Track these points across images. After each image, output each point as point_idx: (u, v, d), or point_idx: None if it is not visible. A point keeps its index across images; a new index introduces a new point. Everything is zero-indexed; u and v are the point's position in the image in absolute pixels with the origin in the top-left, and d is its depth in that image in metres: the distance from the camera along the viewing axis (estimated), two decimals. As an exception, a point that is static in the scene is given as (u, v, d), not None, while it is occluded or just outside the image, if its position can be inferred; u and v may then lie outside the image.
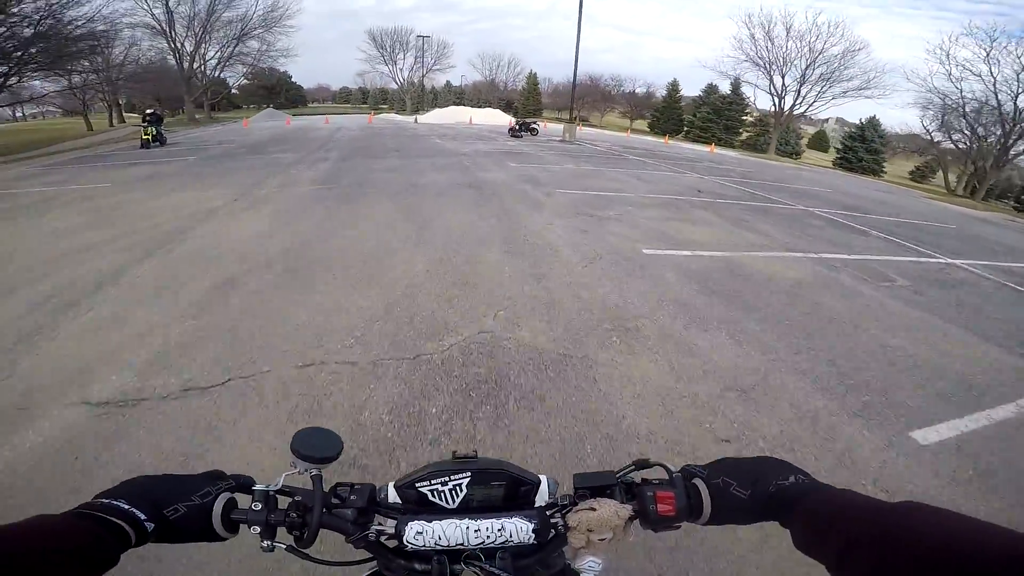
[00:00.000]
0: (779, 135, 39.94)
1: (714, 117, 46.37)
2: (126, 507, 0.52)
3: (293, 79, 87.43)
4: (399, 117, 38.54)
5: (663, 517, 0.60)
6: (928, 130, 34.37)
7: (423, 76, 56.70)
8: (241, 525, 0.59)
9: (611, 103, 59.99)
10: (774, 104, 38.14)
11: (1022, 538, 0.36)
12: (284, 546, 0.59)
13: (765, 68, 37.65)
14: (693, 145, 37.24)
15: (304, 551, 0.59)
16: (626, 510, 0.61)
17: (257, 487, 0.60)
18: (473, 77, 76.16)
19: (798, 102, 37.26)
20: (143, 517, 0.53)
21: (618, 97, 60.01)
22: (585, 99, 60.96)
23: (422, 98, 60.04)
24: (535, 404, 2.75)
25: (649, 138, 40.18)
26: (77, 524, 0.49)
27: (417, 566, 0.63)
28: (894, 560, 0.40)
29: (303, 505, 0.60)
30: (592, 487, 0.65)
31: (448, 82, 76.65)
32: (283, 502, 0.61)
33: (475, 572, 0.62)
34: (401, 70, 56.98)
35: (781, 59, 36.77)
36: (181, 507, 0.56)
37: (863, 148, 39.74)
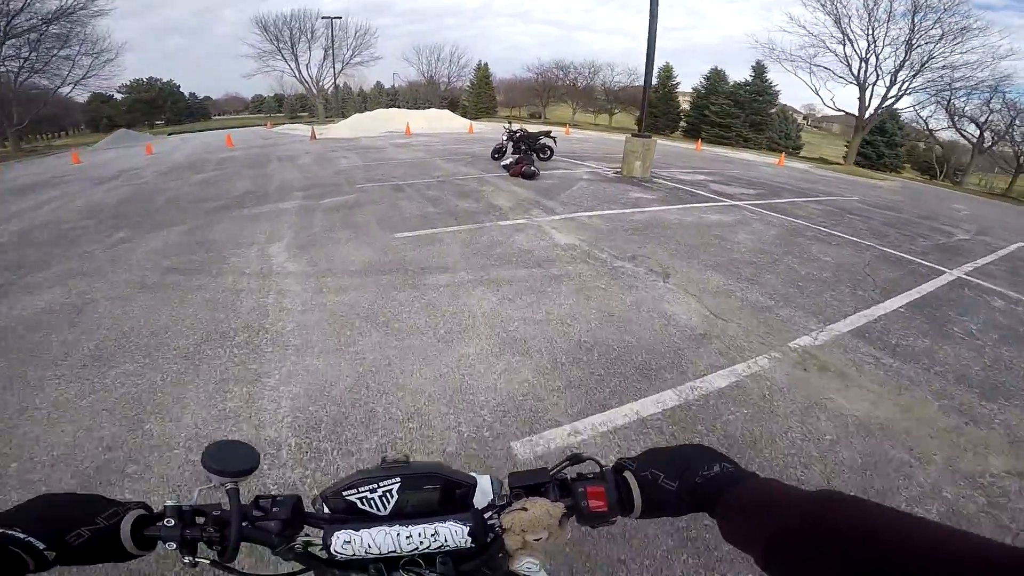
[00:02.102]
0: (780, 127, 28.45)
1: (736, 111, 35.22)
2: (22, 536, 0.50)
3: (181, 88, 69.71)
4: (301, 128, 24.22)
5: (596, 513, 0.60)
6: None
7: (337, 73, 41.86)
8: (159, 542, 0.56)
9: (579, 97, 47.77)
10: (861, 96, 26.30)
11: (945, 530, 0.37)
12: (208, 561, 0.57)
13: (851, 46, 25.59)
14: (735, 152, 25.42)
15: (228, 565, 0.58)
16: (558, 508, 0.59)
17: (169, 503, 0.58)
18: (409, 75, 62.23)
19: (891, 93, 25.53)
20: (41, 547, 0.50)
21: (591, 90, 47.88)
22: (550, 93, 48.80)
23: (336, 102, 45.29)
24: None
25: (667, 143, 27.99)
26: None
27: (353, 575, 0.62)
28: (819, 553, 0.40)
29: (221, 519, 0.58)
30: (526, 486, 0.64)
31: (378, 83, 62.19)
32: (202, 517, 0.58)
33: None
34: (308, 66, 41.81)
35: (873, 34, 24.79)
36: (85, 531, 0.53)
37: (883, 143, 31.34)
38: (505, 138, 11.83)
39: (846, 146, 32.10)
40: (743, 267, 5.21)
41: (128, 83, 56.84)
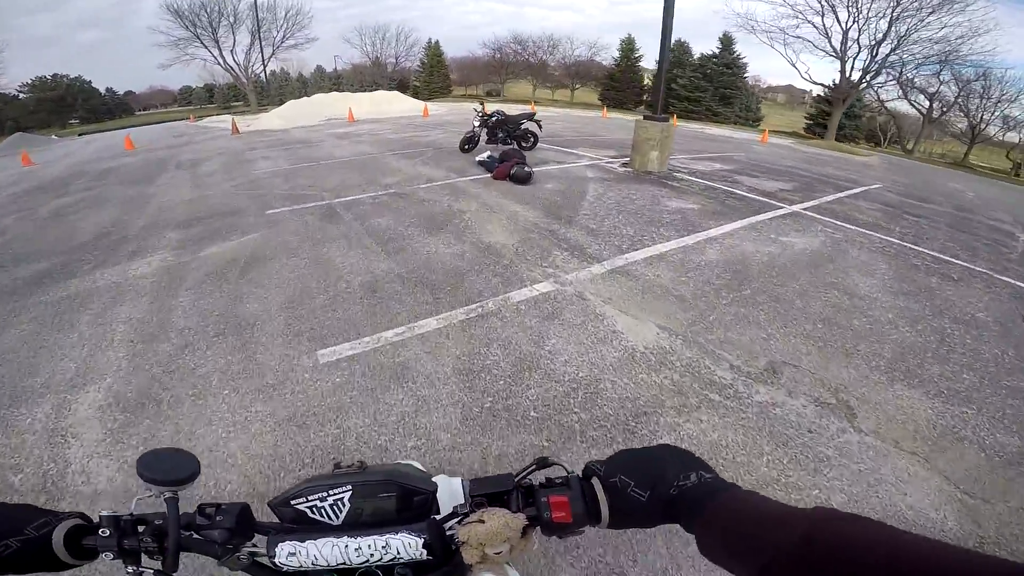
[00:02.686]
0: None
1: (706, 84, 33.45)
2: None
3: (93, 84, 61.72)
4: (229, 120, 20.48)
5: (559, 524, 0.55)
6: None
7: (267, 58, 37.04)
8: (99, 553, 0.55)
9: (538, 73, 44.92)
10: (843, 69, 24.83)
11: (956, 551, 0.35)
12: (152, 571, 0.55)
13: (834, 17, 23.85)
14: (711, 128, 23.63)
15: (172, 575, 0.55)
16: (519, 520, 0.55)
17: (104, 513, 0.56)
18: (353, 57, 57.44)
19: (873, 64, 24.06)
20: None
21: (551, 66, 45.08)
22: (508, 70, 45.70)
23: (273, 88, 40.50)
24: None
25: (626, 117, 25.81)
26: None
27: None
28: (821, 571, 0.38)
29: (160, 529, 0.56)
30: (489, 494, 0.59)
31: (319, 67, 56.88)
32: (143, 527, 0.57)
33: None
34: (234, 52, 36.71)
35: (858, 6, 22.97)
36: (14, 543, 0.52)
37: (844, 114, 29.65)
38: (477, 124, 9.15)
39: (808, 118, 32.38)
40: (918, 359, 3.13)
41: (31, 81, 49.62)
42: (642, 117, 8.18)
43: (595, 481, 0.56)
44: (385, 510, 0.62)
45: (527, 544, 0.56)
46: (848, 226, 5.93)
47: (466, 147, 9.33)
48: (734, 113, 34.35)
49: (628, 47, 39.41)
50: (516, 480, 0.60)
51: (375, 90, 29.59)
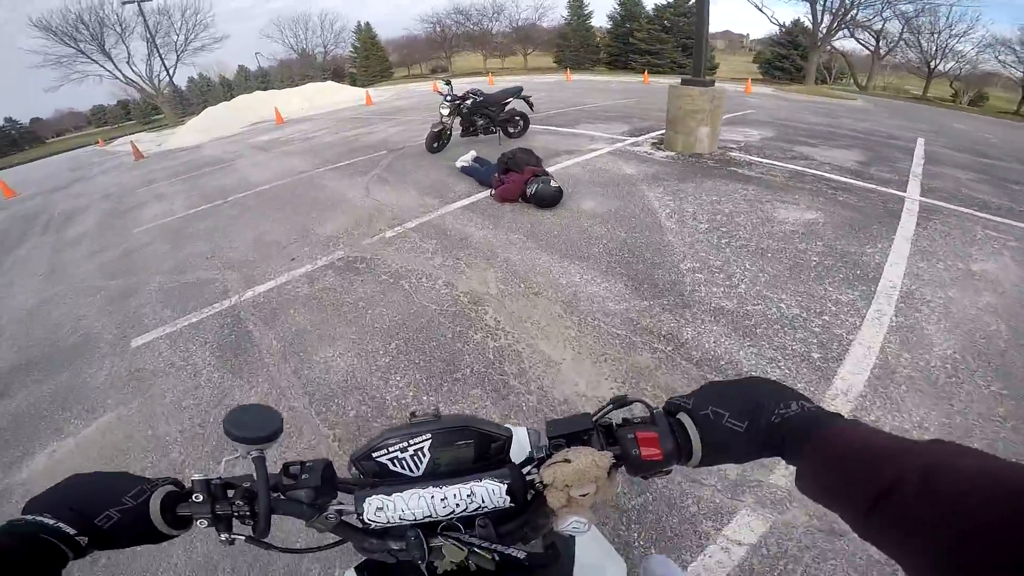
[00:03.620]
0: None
1: (666, 36, 31.11)
2: (52, 523, 0.47)
3: None
4: (144, 139, 16.81)
5: (649, 462, 0.52)
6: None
7: (171, 65, 32.18)
8: (193, 521, 0.53)
9: (486, 43, 41.52)
10: (813, 12, 23.22)
11: None
12: (243, 537, 0.53)
13: None
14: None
15: (265, 541, 0.54)
16: (606, 457, 0.51)
17: (196, 477, 0.53)
18: (276, 53, 52.17)
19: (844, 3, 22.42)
20: (72, 532, 0.47)
21: (495, 34, 41.67)
22: (452, 43, 42.14)
23: (195, 95, 35.73)
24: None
25: (598, 79, 23.28)
26: (7, 547, 0.44)
27: (393, 545, 0.57)
28: (943, 511, 0.34)
29: (250, 492, 0.53)
30: (567, 434, 0.56)
31: (241, 67, 51.56)
32: (232, 490, 0.54)
33: (454, 544, 0.56)
34: (131, 63, 31.71)
35: None
36: (114, 513, 0.50)
37: (798, 55, 28.94)
38: (446, 112, 6.59)
39: (766, 62, 30.86)
40: None
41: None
42: (680, 81, 5.76)
43: (683, 416, 0.52)
44: (463, 458, 0.60)
45: (611, 486, 0.52)
46: (1015, 223, 3.91)
47: (435, 145, 6.81)
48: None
49: (576, 4, 36.50)
50: (594, 419, 0.57)
51: (305, 83, 25.94)
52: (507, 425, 0.64)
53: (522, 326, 2.83)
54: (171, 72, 31.77)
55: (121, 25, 29.88)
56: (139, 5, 28.65)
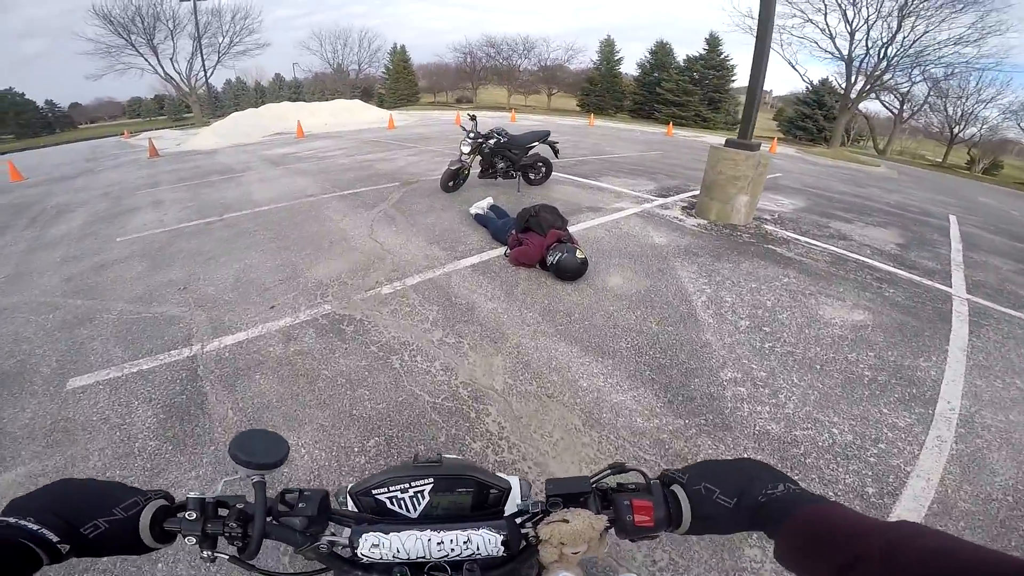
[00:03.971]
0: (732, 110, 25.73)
1: (693, 88, 31.51)
2: (35, 528, 0.45)
3: (27, 96, 55.77)
4: (166, 136, 16.74)
5: (640, 528, 0.55)
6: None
7: (210, 66, 32.87)
8: (178, 535, 0.52)
9: (513, 78, 42.21)
10: (848, 72, 23.22)
11: None
12: (227, 556, 0.53)
13: (841, 17, 22.04)
14: (706, 135, 21.46)
15: (249, 563, 0.54)
16: (601, 521, 0.54)
17: (192, 495, 0.53)
18: (313, 65, 53.32)
19: (880, 67, 22.37)
20: (55, 539, 0.46)
21: (523, 70, 42.42)
22: (480, 75, 42.96)
23: (228, 98, 36.37)
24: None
25: (622, 127, 23.37)
26: None
27: None
28: None
29: (244, 514, 0.53)
30: (565, 494, 0.58)
31: (278, 75, 52.69)
32: (225, 510, 0.54)
33: None
34: (175, 60, 32.54)
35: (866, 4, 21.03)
36: (102, 523, 0.49)
37: (822, 116, 29.33)
38: (467, 150, 6.24)
39: (789, 121, 30.80)
40: None
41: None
42: (724, 142, 5.38)
43: (677, 488, 0.55)
44: (461, 504, 0.61)
45: (601, 546, 0.54)
46: None
47: (451, 184, 6.44)
48: (723, 119, 32.56)
49: (608, 49, 37.20)
50: (592, 483, 0.59)
51: (335, 99, 26.20)
52: (502, 475, 0.65)
53: (531, 439, 2.31)
54: (209, 72, 32.43)
55: (174, 21, 30.75)
56: (194, 3, 29.42)
